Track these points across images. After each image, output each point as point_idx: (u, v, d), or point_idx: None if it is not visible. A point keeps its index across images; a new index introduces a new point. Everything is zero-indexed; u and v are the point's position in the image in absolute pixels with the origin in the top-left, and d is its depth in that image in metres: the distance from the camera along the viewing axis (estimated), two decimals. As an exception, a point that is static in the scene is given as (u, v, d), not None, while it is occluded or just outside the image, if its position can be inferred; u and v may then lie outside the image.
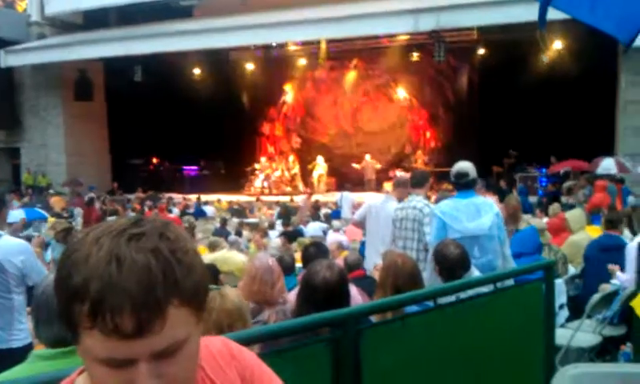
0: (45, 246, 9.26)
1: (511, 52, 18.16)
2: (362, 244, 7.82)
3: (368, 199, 8.34)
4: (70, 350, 2.11)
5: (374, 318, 2.96)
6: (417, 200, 5.72)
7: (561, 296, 5.59)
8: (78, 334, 0.93)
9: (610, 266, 5.79)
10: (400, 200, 6.48)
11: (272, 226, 12.42)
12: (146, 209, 16.49)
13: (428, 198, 6.33)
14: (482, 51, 20.82)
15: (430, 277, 4.78)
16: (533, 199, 15.96)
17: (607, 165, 13.24)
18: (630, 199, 12.09)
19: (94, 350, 0.92)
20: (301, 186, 22.67)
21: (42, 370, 2.02)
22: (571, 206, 12.02)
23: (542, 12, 2.43)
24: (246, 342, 1.91)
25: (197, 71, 23.61)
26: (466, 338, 3.00)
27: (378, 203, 6.93)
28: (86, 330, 0.91)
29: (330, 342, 2.37)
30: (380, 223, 6.60)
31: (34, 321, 2.26)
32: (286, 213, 14.64)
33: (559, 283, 5.54)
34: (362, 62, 23.33)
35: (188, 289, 0.95)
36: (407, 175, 8.14)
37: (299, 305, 3.09)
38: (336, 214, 15.17)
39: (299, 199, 19.10)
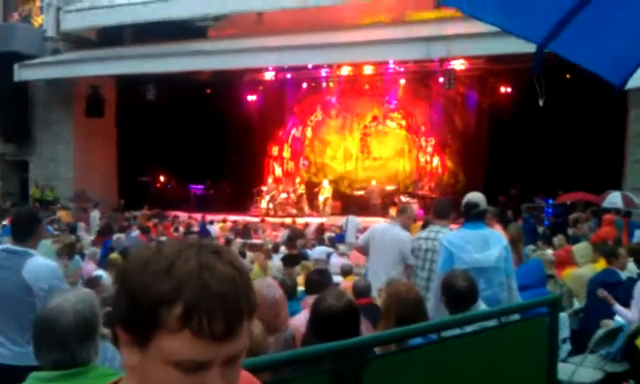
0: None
1: (521, 82, 18.23)
2: (367, 269, 7.80)
3: (373, 224, 8.37)
4: (70, 373, 2.12)
5: (377, 349, 2.96)
6: (443, 232, 5.65)
7: (564, 330, 5.56)
8: (152, 337, 0.99)
9: (601, 292, 5.75)
10: (404, 227, 6.52)
11: (276, 249, 12.40)
12: (151, 226, 16.50)
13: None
14: (491, 80, 20.92)
15: (434, 307, 4.78)
16: (540, 229, 15.91)
17: (613, 198, 13.24)
18: (638, 233, 12.04)
19: (176, 352, 0.98)
20: (306, 209, 22.67)
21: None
22: (576, 238, 11.99)
23: (538, 57, 2.46)
24: (248, 370, 1.93)
25: (208, 90, 23.79)
26: (469, 372, 3.00)
27: (382, 229, 6.92)
28: (171, 333, 0.98)
29: (332, 373, 2.37)
30: (383, 249, 6.58)
31: (34, 344, 2.25)
32: (294, 235, 14.53)
33: (563, 317, 5.52)
34: (373, 87, 23.44)
35: (253, 302, 1.06)
36: (413, 204, 8.20)
37: (307, 334, 3.10)
38: (340, 237, 15.14)
39: (305, 221, 19.13)
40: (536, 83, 2.50)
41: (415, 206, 19.41)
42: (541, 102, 2.52)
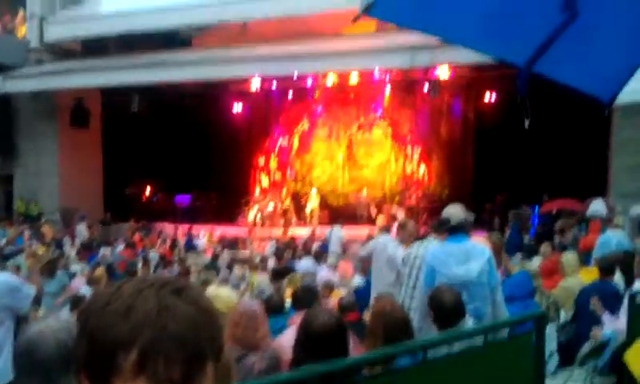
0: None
1: (505, 89, 18.34)
2: (367, 282, 7.87)
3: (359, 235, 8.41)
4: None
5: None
6: (434, 243, 5.59)
7: (551, 343, 5.55)
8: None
9: (593, 301, 5.72)
10: (404, 243, 6.50)
11: (264, 261, 12.35)
12: (137, 240, 16.40)
13: None
14: (476, 88, 21.01)
15: (419, 322, 4.76)
16: (526, 237, 15.94)
17: (596, 207, 13.30)
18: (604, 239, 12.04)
19: None
20: (294, 220, 22.58)
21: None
22: (563, 247, 12.02)
23: (522, 79, 2.45)
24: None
25: (193, 101, 23.70)
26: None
27: (382, 244, 7.06)
28: (127, 381, 0.92)
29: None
30: (382, 267, 6.75)
31: (15, 371, 2.23)
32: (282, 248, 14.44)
33: (550, 330, 5.51)
34: (358, 96, 23.45)
35: (219, 346, 1.00)
36: (411, 220, 8.17)
37: (297, 352, 3.07)
38: (324, 248, 15.06)
39: (293, 232, 19.09)
40: (520, 105, 2.48)
41: (402, 214, 19.45)
42: (526, 124, 2.49)
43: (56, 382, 2.14)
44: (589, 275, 7.28)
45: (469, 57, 16.40)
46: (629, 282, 6.56)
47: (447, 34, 2.63)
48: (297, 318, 4.57)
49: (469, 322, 4.03)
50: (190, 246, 16.29)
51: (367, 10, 2.12)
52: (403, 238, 6.69)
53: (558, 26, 2.28)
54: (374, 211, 21.18)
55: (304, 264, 11.10)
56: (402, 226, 7.04)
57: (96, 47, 22.95)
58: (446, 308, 3.90)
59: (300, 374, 2.47)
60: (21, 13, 23.95)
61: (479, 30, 2.42)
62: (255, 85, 21.61)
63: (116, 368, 0.92)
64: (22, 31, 24.09)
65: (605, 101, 2.82)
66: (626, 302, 5.30)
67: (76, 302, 6.66)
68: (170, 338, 0.92)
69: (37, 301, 4.17)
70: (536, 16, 2.32)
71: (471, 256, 4.74)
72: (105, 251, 12.50)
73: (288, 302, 6.31)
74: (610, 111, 16.57)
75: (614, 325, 5.54)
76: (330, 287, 7.87)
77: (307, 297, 5.06)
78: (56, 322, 2.28)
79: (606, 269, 6.45)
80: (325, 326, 2.93)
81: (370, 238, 12.43)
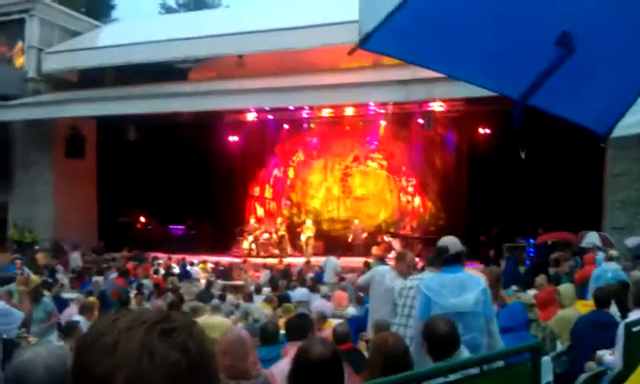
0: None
1: (498, 122, 18.46)
2: (366, 310, 7.84)
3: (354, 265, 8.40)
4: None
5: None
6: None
7: (547, 374, 5.50)
8: None
9: (598, 355, 5.69)
10: (402, 275, 6.41)
11: (259, 290, 12.30)
12: (131, 268, 16.29)
13: None
14: (469, 121, 21.13)
15: (414, 352, 4.71)
16: (522, 269, 15.92)
17: (591, 238, 13.34)
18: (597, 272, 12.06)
19: None
20: (289, 249, 22.56)
21: None
22: (558, 278, 12.01)
23: (517, 112, 2.45)
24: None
25: (189, 131, 23.79)
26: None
27: (381, 273, 6.99)
28: None
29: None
30: (380, 296, 6.70)
31: None
32: (284, 276, 14.46)
33: (546, 361, 5.47)
34: (353, 128, 23.60)
35: None
36: (409, 252, 8.12)
37: (292, 382, 3.04)
38: (319, 278, 15.03)
39: (288, 261, 19.01)
40: (517, 137, 2.48)
41: (397, 244, 19.45)
42: (522, 155, 2.49)
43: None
44: (585, 308, 7.26)
45: (463, 90, 16.56)
46: (624, 313, 6.53)
47: (444, 68, 2.64)
48: (290, 349, 4.54)
49: (464, 353, 3.99)
50: (184, 275, 16.20)
51: (363, 43, 2.13)
52: (401, 270, 6.56)
53: (555, 60, 2.29)
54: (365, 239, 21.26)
55: (299, 293, 11.06)
56: (400, 258, 6.87)
57: (93, 78, 23.10)
58: (440, 337, 3.85)
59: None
60: (19, 44, 24.10)
61: (476, 65, 2.43)
62: (251, 116, 21.76)
63: None
64: (20, 61, 24.22)
65: (601, 133, 2.82)
66: (621, 331, 5.28)
67: (69, 329, 6.61)
68: (144, 382, 0.91)
69: (26, 326, 4.12)
70: (534, 50, 2.33)
71: (466, 286, 4.71)
72: (97, 279, 12.42)
73: (282, 331, 6.27)
74: (604, 144, 16.73)
75: (608, 361, 5.51)
76: (323, 318, 7.82)
77: (301, 326, 5.03)
78: (46, 349, 2.26)
79: (602, 300, 6.42)
80: (321, 355, 2.92)
81: (367, 265, 12.43)
